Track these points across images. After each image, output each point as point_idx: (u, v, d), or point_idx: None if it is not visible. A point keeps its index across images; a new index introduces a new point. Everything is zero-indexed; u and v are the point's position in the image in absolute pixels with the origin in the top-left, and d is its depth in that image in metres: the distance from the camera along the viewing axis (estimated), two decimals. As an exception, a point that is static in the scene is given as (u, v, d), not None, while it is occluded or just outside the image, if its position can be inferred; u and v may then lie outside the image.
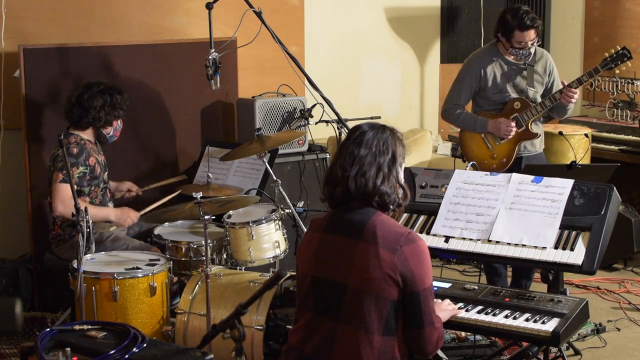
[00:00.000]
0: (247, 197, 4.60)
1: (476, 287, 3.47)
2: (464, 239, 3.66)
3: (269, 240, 4.47)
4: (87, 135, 4.69)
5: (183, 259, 4.49)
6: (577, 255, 3.45)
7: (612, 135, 6.51)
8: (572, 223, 3.55)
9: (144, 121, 5.46)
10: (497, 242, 3.60)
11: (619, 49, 4.97)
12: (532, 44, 4.91)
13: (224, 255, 4.53)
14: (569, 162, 4.42)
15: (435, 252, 3.66)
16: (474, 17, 7.25)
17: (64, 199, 4.40)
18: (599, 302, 5.29)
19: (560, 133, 5.75)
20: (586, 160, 6.03)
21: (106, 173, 4.77)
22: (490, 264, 4.97)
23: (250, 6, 4.69)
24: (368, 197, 2.88)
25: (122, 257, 4.26)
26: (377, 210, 2.90)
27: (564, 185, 3.65)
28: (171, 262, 4.26)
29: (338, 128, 5.02)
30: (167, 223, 4.78)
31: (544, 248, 3.51)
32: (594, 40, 7.14)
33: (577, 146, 5.99)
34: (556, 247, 3.50)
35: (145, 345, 2.81)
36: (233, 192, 4.56)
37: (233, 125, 5.78)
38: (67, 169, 3.96)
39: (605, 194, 3.58)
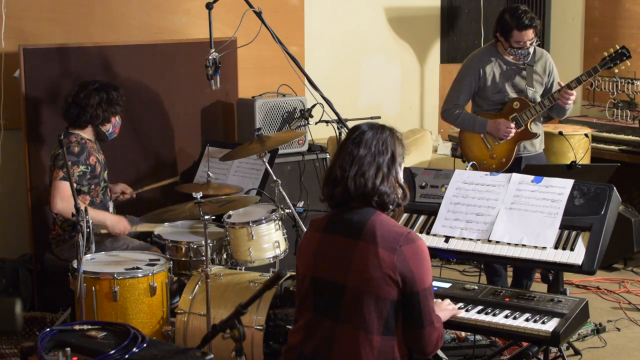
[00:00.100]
0: (247, 197, 4.60)
1: (476, 287, 3.47)
2: (464, 239, 3.66)
3: (269, 240, 4.47)
4: (87, 134, 4.69)
5: (183, 259, 4.49)
6: (577, 255, 3.45)
7: (612, 135, 6.51)
8: (572, 223, 3.55)
9: (143, 121, 5.46)
10: (497, 242, 3.60)
11: (618, 48, 4.97)
12: (530, 44, 4.91)
13: (224, 255, 4.53)
14: (569, 162, 4.42)
15: (435, 252, 3.66)
16: (474, 17, 7.25)
17: (63, 196, 4.40)
18: (599, 302, 5.29)
19: (560, 133, 5.75)
20: (586, 160, 6.03)
21: (106, 172, 4.77)
22: (490, 264, 4.97)
23: (250, 6, 4.69)
24: (367, 197, 2.88)
25: (122, 257, 4.26)
26: (377, 210, 2.90)
27: (564, 185, 3.65)
28: (171, 262, 4.25)
29: (338, 128, 5.02)
30: (167, 223, 4.78)
31: (544, 248, 3.51)
32: (594, 40, 7.14)
33: (577, 146, 5.99)
34: (556, 247, 3.50)
35: (145, 345, 2.81)
36: (233, 192, 4.56)
37: (233, 125, 5.78)
38: (67, 168, 3.97)
39: (605, 194, 3.58)
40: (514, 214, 3.64)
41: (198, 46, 5.29)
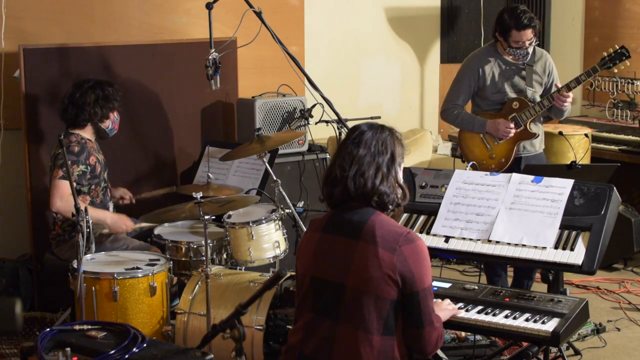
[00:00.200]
0: (247, 197, 4.60)
1: (476, 287, 3.47)
2: (464, 239, 3.66)
3: (269, 240, 4.47)
4: (87, 134, 4.69)
5: (183, 259, 4.49)
6: (577, 255, 3.45)
7: (612, 135, 6.51)
8: (572, 223, 3.55)
9: (143, 121, 5.46)
10: (497, 242, 3.60)
11: (617, 48, 4.97)
12: (529, 44, 4.90)
13: (224, 255, 4.53)
14: (569, 162, 4.41)
15: (435, 252, 3.67)
16: (474, 17, 7.25)
17: (62, 195, 4.40)
18: (599, 302, 5.29)
19: (560, 133, 5.75)
20: (586, 160, 6.03)
21: (106, 172, 4.77)
22: (490, 264, 4.97)
23: (250, 6, 4.69)
24: (367, 197, 2.88)
25: (122, 257, 4.26)
26: (376, 210, 2.90)
27: (564, 185, 3.65)
28: (171, 262, 4.25)
29: (338, 128, 5.02)
30: (167, 223, 4.78)
31: (544, 248, 3.51)
32: (594, 40, 7.14)
33: (577, 146, 6.00)
34: (556, 247, 3.50)
35: (145, 345, 2.81)
36: (233, 192, 4.56)
37: (233, 125, 5.78)
38: (67, 167, 3.97)
39: (605, 194, 3.58)
40: (514, 214, 3.64)
41: (198, 46, 5.29)
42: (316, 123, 5.40)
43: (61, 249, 4.62)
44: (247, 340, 3.88)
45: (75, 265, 3.95)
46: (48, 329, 2.90)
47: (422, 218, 3.83)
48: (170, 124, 5.57)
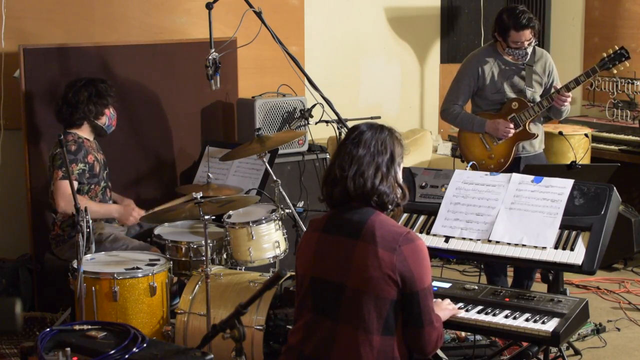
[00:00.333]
0: (247, 197, 4.60)
1: (476, 287, 3.47)
2: (464, 239, 3.66)
3: (269, 240, 4.47)
4: (85, 133, 4.69)
5: (183, 259, 4.49)
6: (577, 255, 3.45)
7: (612, 135, 6.51)
8: (572, 223, 3.55)
9: (144, 121, 5.46)
10: (497, 242, 3.60)
11: (617, 48, 4.96)
12: (528, 44, 4.90)
13: (224, 255, 4.53)
14: (569, 162, 4.41)
15: (435, 252, 3.67)
16: (474, 17, 7.25)
17: (63, 195, 4.40)
18: (599, 302, 5.29)
19: (560, 133, 5.75)
20: (586, 160, 6.03)
21: (106, 172, 4.77)
22: (490, 264, 4.97)
23: (250, 6, 4.69)
24: (367, 197, 2.88)
25: (122, 257, 4.26)
26: (376, 210, 2.90)
27: (564, 185, 3.65)
28: (171, 262, 4.26)
29: (338, 128, 5.02)
30: (167, 223, 4.78)
31: (544, 248, 3.51)
32: (594, 40, 7.14)
33: (577, 146, 6.00)
34: (556, 247, 3.50)
35: (145, 345, 2.81)
36: (233, 192, 4.56)
37: (233, 125, 5.78)
38: (67, 167, 3.97)
39: (605, 194, 3.58)
40: (514, 214, 3.64)
41: (198, 46, 5.29)
42: (316, 123, 5.40)
43: (61, 249, 4.62)
44: (247, 340, 3.88)
45: (75, 265, 3.95)
46: (48, 329, 2.90)
47: (422, 218, 3.83)
48: (170, 124, 5.57)
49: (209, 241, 4.01)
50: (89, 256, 4.07)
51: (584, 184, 3.63)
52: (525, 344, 3.29)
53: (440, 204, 3.79)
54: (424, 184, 3.91)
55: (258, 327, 3.93)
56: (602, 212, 3.54)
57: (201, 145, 5.52)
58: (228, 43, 4.72)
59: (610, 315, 5.08)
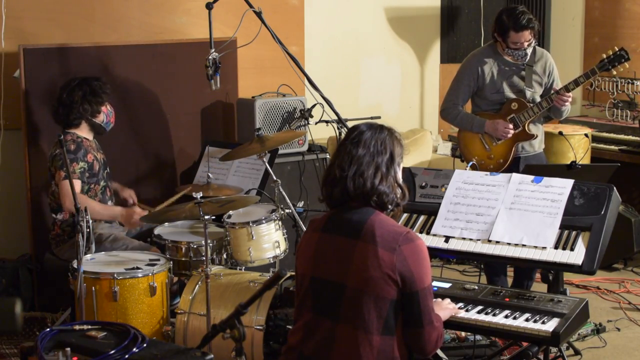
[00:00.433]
0: (247, 197, 4.60)
1: (476, 287, 3.47)
2: (464, 239, 3.66)
3: (269, 240, 4.47)
4: (84, 132, 4.70)
5: (183, 259, 4.48)
6: (577, 255, 3.45)
7: (612, 135, 6.51)
8: (572, 223, 3.55)
9: (144, 121, 5.46)
10: (497, 242, 3.60)
11: (617, 50, 4.96)
12: (528, 45, 4.90)
13: (224, 255, 4.52)
14: (569, 162, 4.41)
15: (435, 252, 3.67)
16: (474, 17, 7.25)
17: (69, 194, 4.40)
18: (599, 302, 5.29)
19: (560, 133, 5.75)
20: (586, 160, 6.03)
21: (106, 171, 4.77)
22: (490, 264, 4.97)
23: (250, 6, 4.69)
24: (366, 197, 2.88)
25: (122, 257, 4.26)
26: (376, 210, 2.90)
27: (564, 185, 3.65)
28: (171, 262, 4.25)
29: (338, 128, 5.02)
30: (167, 223, 4.78)
31: (544, 248, 3.51)
32: (594, 40, 7.14)
33: (577, 146, 6.00)
34: (556, 247, 3.50)
35: (145, 345, 2.81)
36: (233, 192, 4.56)
37: (233, 125, 5.78)
38: (67, 167, 3.98)
39: (605, 194, 3.58)
40: (514, 214, 3.64)
41: (198, 46, 5.29)
42: (316, 123, 5.40)
43: (61, 249, 4.62)
44: (247, 340, 3.88)
45: (75, 265, 3.95)
46: (48, 329, 2.90)
47: (422, 218, 3.83)
48: (170, 124, 5.57)
49: (209, 241, 4.01)
50: (89, 256, 4.07)
51: (584, 184, 3.63)
52: (525, 344, 3.29)
53: (440, 204, 3.79)
54: (424, 184, 3.91)
55: (258, 327, 3.93)
56: (602, 212, 3.54)
57: (201, 145, 5.52)
58: (228, 43, 4.72)
59: (610, 315, 5.08)
